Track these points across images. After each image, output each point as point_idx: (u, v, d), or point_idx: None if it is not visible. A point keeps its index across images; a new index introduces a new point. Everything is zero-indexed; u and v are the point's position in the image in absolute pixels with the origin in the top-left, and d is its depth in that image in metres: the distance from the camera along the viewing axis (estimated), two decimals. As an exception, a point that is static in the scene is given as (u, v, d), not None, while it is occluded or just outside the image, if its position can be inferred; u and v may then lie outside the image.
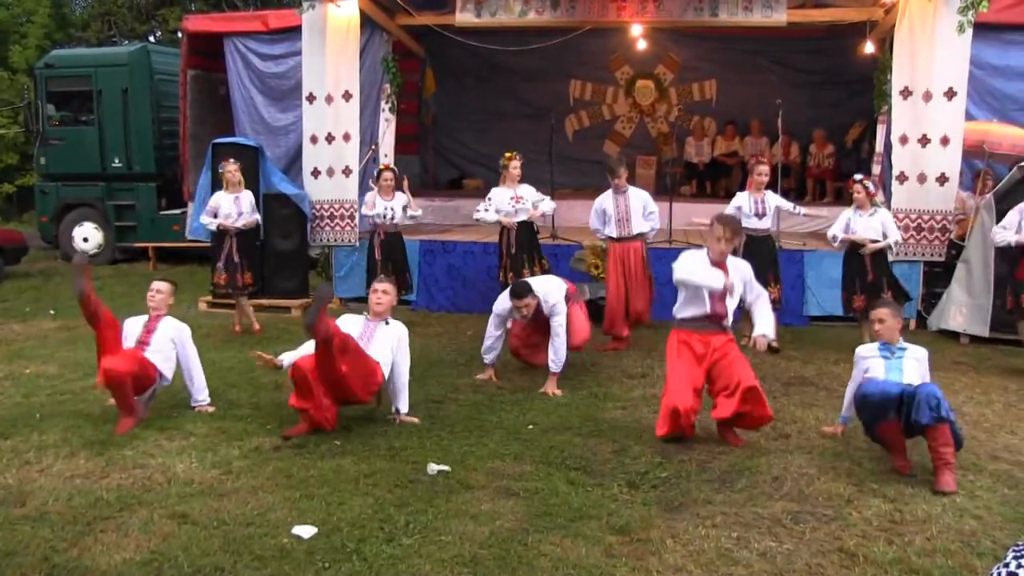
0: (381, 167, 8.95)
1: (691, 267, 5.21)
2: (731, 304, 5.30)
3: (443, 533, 4.03)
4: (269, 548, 3.87)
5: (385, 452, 5.13)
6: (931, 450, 4.69)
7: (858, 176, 7.98)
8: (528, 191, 8.36)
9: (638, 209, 7.87)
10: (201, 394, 5.95)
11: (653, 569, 3.71)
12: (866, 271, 7.71)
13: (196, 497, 4.45)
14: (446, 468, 4.84)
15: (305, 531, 4.02)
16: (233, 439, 5.34)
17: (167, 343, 5.79)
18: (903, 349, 5.18)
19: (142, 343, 5.74)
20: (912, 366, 5.09)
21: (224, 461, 4.97)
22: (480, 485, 4.63)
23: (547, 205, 8.49)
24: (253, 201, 8.72)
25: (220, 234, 8.54)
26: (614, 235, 7.90)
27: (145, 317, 5.89)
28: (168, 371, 5.81)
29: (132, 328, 5.84)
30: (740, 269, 5.38)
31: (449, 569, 3.70)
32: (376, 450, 5.16)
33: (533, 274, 8.01)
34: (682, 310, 5.36)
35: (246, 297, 8.83)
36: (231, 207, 8.47)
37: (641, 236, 7.95)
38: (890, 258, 8.07)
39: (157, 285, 5.98)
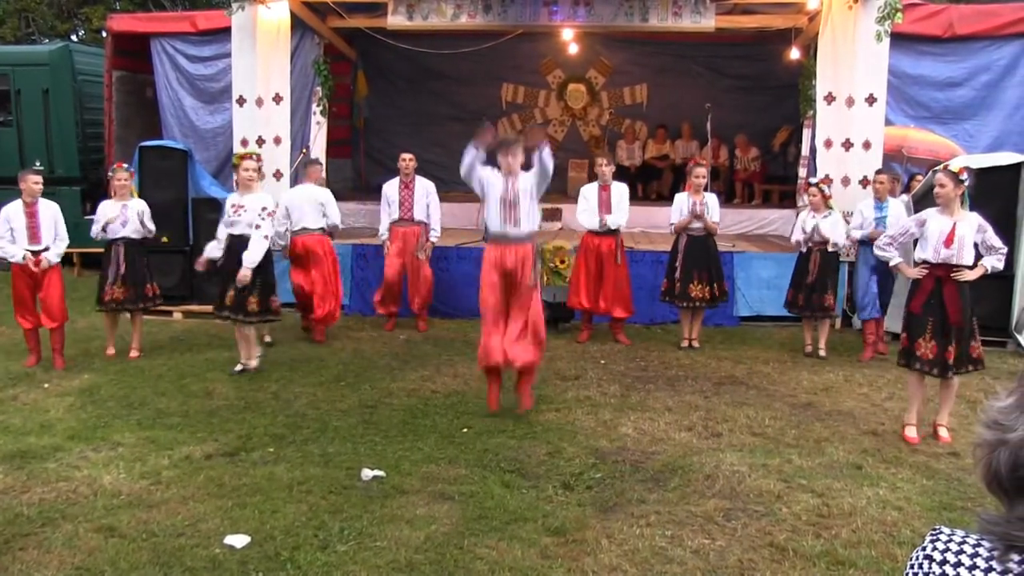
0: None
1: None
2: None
3: (378, 539, 4.00)
4: (201, 559, 3.79)
5: (318, 458, 5.07)
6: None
7: (813, 179, 8.07)
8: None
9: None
10: None
11: (588, 569, 3.75)
12: (808, 272, 7.76)
13: (124, 509, 4.33)
14: (380, 473, 4.81)
15: (238, 540, 3.96)
16: (163, 448, 5.22)
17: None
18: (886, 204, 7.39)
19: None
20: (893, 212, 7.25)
21: (153, 471, 4.86)
22: (415, 489, 4.62)
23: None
24: (144, 211, 7.80)
25: (108, 245, 7.77)
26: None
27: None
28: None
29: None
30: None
31: (385, 575, 3.68)
32: (309, 456, 5.11)
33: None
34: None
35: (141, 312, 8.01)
36: (116, 213, 7.67)
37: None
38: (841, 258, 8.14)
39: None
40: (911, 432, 5.52)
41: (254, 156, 7.38)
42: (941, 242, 5.35)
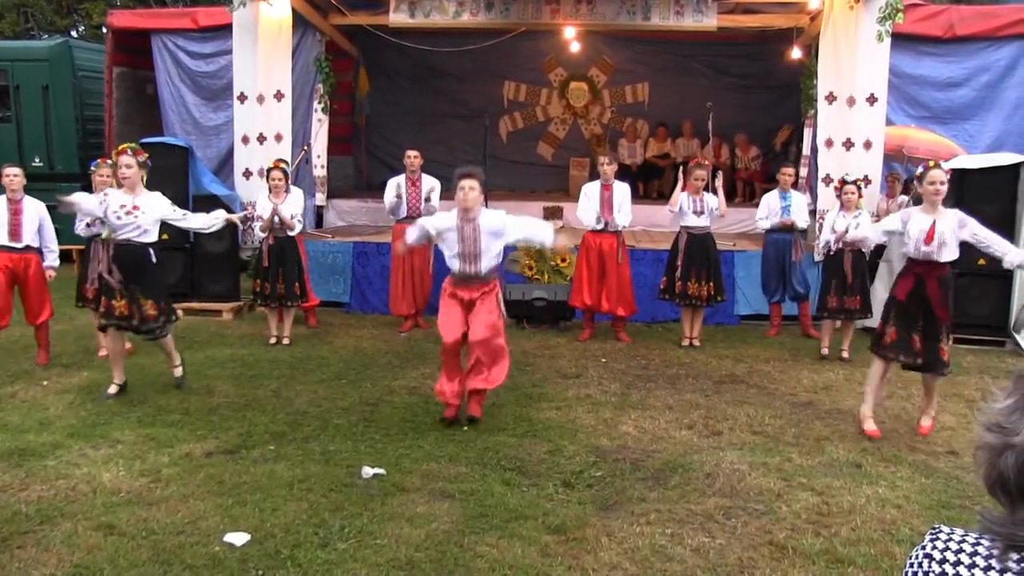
0: (270, 165, 8.27)
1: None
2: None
3: (378, 537, 4.00)
4: (200, 557, 3.79)
5: (319, 456, 5.07)
6: None
7: (849, 177, 7.93)
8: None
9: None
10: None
11: (589, 568, 3.75)
12: (844, 274, 7.55)
13: (123, 507, 4.33)
14: (381, 471, 4.81)
15: (238, 538, 3.96)
16: (163, 446, 5.22)
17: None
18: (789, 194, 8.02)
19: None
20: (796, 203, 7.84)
21: (153, 469, 4.85)
22: (415, 488, 4.62)
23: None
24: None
25: (89, 241, 7.52)
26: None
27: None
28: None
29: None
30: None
31: (385, 573, 3.68)
32: (310, 454, 5.11)
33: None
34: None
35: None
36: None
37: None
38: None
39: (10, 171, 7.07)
40: (869, 425, 5.63)
41: (129, 150, 6.10)
42: (922, 239, 5.40)
